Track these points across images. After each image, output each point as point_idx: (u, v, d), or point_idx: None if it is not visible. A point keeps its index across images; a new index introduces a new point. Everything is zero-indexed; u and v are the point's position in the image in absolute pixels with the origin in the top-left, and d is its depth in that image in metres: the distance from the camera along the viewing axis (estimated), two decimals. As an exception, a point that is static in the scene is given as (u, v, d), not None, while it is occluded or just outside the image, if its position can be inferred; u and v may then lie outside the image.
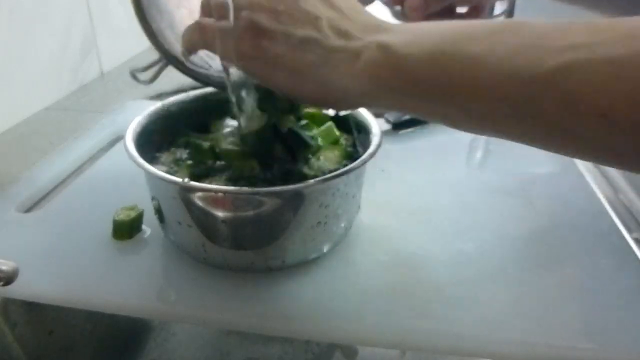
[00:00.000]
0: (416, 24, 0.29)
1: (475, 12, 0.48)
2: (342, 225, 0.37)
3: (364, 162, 0.34)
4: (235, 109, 0.35)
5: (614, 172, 0.50)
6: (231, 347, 0.48)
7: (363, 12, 0.31)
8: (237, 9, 0.31)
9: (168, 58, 0.61)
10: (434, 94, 0.26)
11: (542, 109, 0.23)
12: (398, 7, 0.45)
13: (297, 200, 0.32)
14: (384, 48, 0.27)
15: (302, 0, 0.31)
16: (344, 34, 0.29)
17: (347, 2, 0.31)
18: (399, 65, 0.26)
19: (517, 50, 0.23)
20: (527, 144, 0.26)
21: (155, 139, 0.40)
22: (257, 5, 0.31)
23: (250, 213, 0.32)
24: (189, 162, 0.38)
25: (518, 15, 0.56)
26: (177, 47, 0.59)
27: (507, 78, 0.23)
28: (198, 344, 0.49)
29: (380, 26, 0.29)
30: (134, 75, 0.69)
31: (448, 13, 0.47)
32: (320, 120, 0.40)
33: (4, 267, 0.34)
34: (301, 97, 0.31)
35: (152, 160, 0.37)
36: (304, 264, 0.36)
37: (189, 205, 0.33)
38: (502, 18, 0.50)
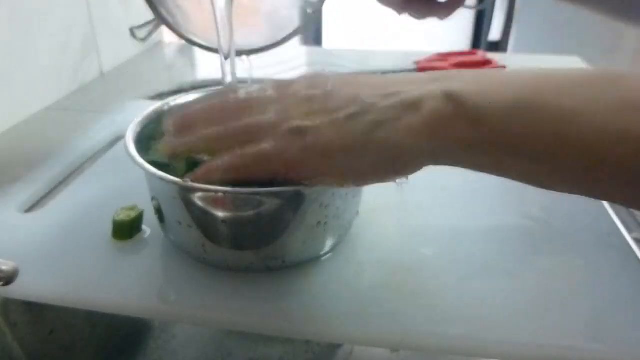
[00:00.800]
0: (479, 72, 0.26)
1: (456, 0, 0.45)
2: (342, 225, 0.37)
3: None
4: None
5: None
6: (232, 348, 0.48)
7: (407, 81, 0.27)
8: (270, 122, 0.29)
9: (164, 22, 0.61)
10: (519, 150, 0.23)
11: None
12: None
13: (297, 201, 0.32)
14: (450, 96, 0.24)
15: (333, 87, 0.28)
16: (391, 94, 0.26)
17: (381, 78, 0.28)
18: (474, 116, 0.24)
19: (620, 106, 0.21)
20: (632, 206, 0.24)
21: (155, 139, 0.39)
22: (289, 109, 0.29)
23: (251, 213, 0.32)
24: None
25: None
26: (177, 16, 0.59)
27: (614, 137, 0.21)
28: (199, 345, 0.49)
29: (435, 76, 0.26)
30: (132, 33, 0.69)
31: (426, 0, 0.44)
32: None
33: (4, 267, 0.34)
34: (363, 177, 0.28)
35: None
36: (304, 264, 0.36)
37: (189, 205, 0.33)
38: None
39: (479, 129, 0.24)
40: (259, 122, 0.30)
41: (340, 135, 0.27)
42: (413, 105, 0.25)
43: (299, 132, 0.28)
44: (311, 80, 0.31)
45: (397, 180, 0.41)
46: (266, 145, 0.28)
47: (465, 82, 0.25)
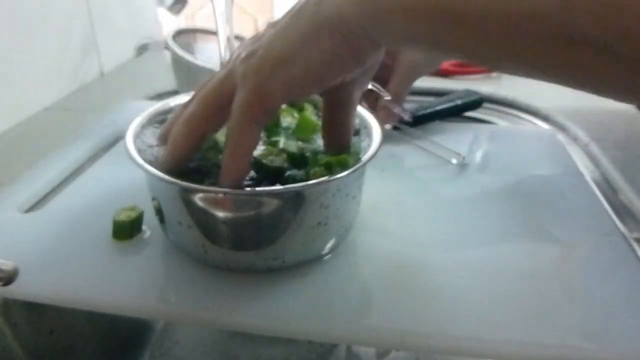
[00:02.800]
0: None
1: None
2: (343, 225, 0.37)
3: (365, 162, 0.34)
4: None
5: (614, 172, 0.50)
6: (237, 350, 0.48)
7: None
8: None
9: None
10: (447, 14, 0.24)
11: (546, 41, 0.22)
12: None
13: (297, 201, 0.32)
14: None
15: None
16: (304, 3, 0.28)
17: None
18: None
19: None
20: (528, 74, 0.25)
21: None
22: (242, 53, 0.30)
23: (251, 214, 0.32)
24: None
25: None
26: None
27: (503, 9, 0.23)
28: (203, 350, 0.49)
29: None
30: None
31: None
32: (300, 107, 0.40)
33: (4, 267, 0.34)
34: (329, 67, 0.28)
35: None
36: (304, 265, 0.36)
37: (190, 205, 0.33)
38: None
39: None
40: (213, 82, 0.31)
41: (290, 32, 0.28)
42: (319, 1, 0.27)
43: (248, 56, 0.29)
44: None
45: (454, 161, 0.44)
46: (237, 94, 0.29)
47: None
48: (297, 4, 0.30)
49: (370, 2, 0.26)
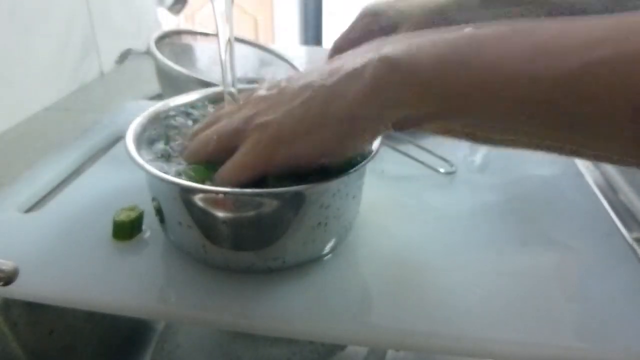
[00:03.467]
0: (411, 34, 0.28)
1: None
2: (343, 226, 0.37)
3: (365, 163, 0.34)
4: None
5: (614, 172, 0.50)
6: (240, 351, 0.48)
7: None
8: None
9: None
10: (449, 104, 0.25)
11: (567, 109, 0.22)
12: None
13: (297, 201, 0.32)
14: (385, 60, 0.26)
15: (287, 83, 0.32)
16: (336, 71, 0.29)
17: (329, 62, 0.31)
18: (406, 77, 0.26)
19: (535, 52, 0.23)
20: (546, 149, 0.25)
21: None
22: (252, 109, 0.32)
23: (251, 214, 0.32)
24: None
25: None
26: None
27: (528, 81, 0.23)
28: (206, 351, 0.49)
29: (373, 45, 0.28)
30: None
31: None
32: None
33: (4, 267, 0.34)
34: (331, 151, 0.31)
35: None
36: (304, 265, 0.36)
37: (190, 206, 0.33)
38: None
39: (412, 88, 0.26)
40: (225, 127, 0.33)
41: (299, 119, 0.30)
42: (355, 75, 0.27)
43: (263, 126, 0.31)
44: (269, 83, 0.35)
45: (442, 170, 0.44)
46: (241, 149, 0.32)
47: (396, 44, 0.27)
48: (314, 74, 0.31)
49: (379, 100, 0.27)
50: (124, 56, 0.65)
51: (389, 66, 0.26)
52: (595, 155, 0.25)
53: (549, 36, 0.23)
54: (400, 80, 0.26)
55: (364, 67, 0.27)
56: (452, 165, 0.49)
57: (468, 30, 0.26)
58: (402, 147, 0.49)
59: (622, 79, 0.21)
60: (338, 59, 0.31)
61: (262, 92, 0.34)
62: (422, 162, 0.48)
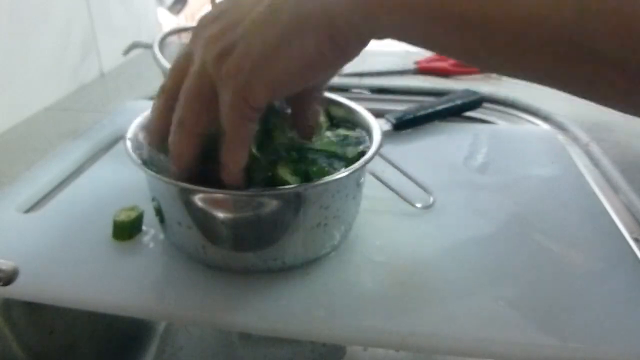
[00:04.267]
0: None
1: None
2: (342, 226, 0.37)
3: (365, 163, 0.34)
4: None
5: (614, 172, 0.50)
6: (242, 352, 0.48)
7: None
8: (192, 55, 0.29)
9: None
10: (449, 19, 0.23)
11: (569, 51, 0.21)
12: None
13: (297, 202, 0.32)
14: None
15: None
16: None
17: None
18: None
19: None
20: (543, 80, 0.24)
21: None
22: (204, 41, 0.28)
23: (251, 214, 0.32)
24: None
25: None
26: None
27: (535, 18, 0.21)
28: (208, 353, 0.49)
29: None
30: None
31: None
32: None
33: (4, 267, 0.34)
34: (311, 64, 0.27)
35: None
36: (304, 265, 0.36)
37: (189, 206, 0.33)
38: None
39: None
40: (189, 82, 0.29)
41: (269, 28, 0.26)
42: None
43: (226, 51, 0.27)
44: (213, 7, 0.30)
45: (418, 205, 0.41)
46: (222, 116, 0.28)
47: None
48: None
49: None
50: (131, 48, 0.65)
51: None
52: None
53: None
54: None
55: None
56: (430, 195, 0.44)
57: None
58: (380, 169, 0.44)
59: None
60: None
61: (206, 18, 0.29)
62: (397, 193, 0.43)
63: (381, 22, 0.25)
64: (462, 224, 0.41)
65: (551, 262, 0.37)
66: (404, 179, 0.44)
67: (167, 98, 0.31)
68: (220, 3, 0.30)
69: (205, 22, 0.29)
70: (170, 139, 0.31)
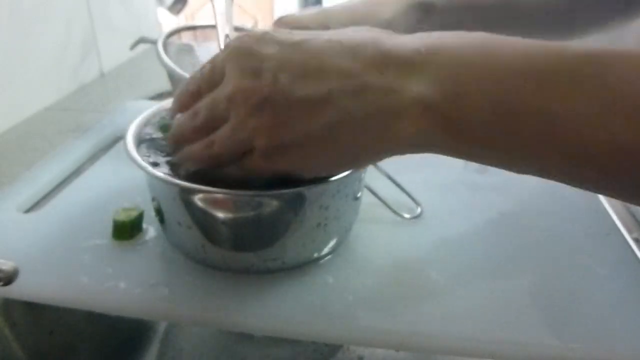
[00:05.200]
0: (455, 56, 0.24)
1: None
2: (342, 226, 0.37)
3: (364, 162, 0.34)
4: None
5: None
6: (244, 352, 0.48)
7: (359, 40, 0.26)
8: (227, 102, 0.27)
9: None
10: (502, 153, 0.24)
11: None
12: None
13: (297, 202, 0.32)
14: (429, 108, 0.23)
15: (280, 73, 0.25)
16: (361, 88, 0.25)
17: (333, 51, 0.26)
18: (454, 129, 0.23)
19: (605, 109, 0.20)
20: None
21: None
22: (244, 123, 0.26)
23: (251, 214, 0.32)
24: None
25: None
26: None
27: (594, 142, 0.21)
28: (210, 354, 0.49)
29: (402, 58, 0.24)
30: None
31: None
32: None
33: (4, 267, 0.34)
34: (336, 171, 0.30)
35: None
36: (304, 265, 0.36)
37: (189, 206, 0.33)
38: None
39: (459, 139, 0.24)
40: (204, 109, 0.29)
41: (327, 147, 0.26)
42: (390, 115, 0.24)
43: (261, 104, 0.26)
44: (242, 64, 0.27)
45: (407, 215, 0.41)
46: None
47: (440, 80, 0.23)
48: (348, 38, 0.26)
49: (419, 146, 0.25)
50: (138, 43, 0.65)
51: (433, 115, 0.24)
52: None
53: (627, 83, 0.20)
54: (445, 130, 0.24)
55: (401, 108, 0.24)
56: (418, 206, 0.43)
57: (526, 57, 0.23)
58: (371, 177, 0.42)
59: None
60: (353, 59, 0.25)
61: (236, 83, 0.27)
62: (385, 203, 0.42)
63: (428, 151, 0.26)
64: (462, 224, 0.41)
65: (550, 263, 0.37)
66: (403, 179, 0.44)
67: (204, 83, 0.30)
68: (254, 62, 0.27)
69: (241, 100, 0.27)
70: (195, 148, 0.30)
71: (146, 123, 0.39)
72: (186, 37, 0.66)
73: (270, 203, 0.32)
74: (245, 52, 0.27)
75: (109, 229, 0.39)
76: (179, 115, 0.32)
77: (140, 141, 0.37)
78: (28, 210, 0.44)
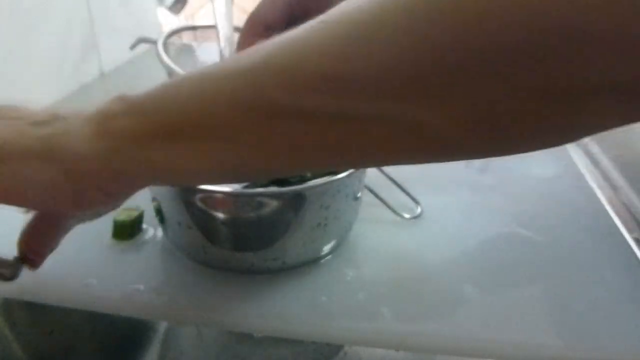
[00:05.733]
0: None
1: None
2: (343, 226, 0.37)
3: (364, 162, 0.34)
4: None
5: (614, 172, 0.50)
6: (245, 353, 0.48)
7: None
8: None
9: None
10: (177, 137, 0.23)
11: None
12: None
13: (297, 202, 0.32)
14: (120, 96, 0.24)
15: None
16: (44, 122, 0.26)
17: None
18: (136, 109, 0.24)
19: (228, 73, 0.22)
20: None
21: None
22: None
23: (251, 214, 0.32)
24: None
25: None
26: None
27: (222, 102, 0.22)
28: (212, 355, 0.49)
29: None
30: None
31: None
32: None
33: (8, 261, 0.33)
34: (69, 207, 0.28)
35: None
36: (304, 265, 0.36)
37: (189, 206, 0.33)
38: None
39: (139, 119, 0.24)
40: None
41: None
42: (82, 116, 0.25)
43: None
44: None
45: (407, 215, 0.41)
46: None
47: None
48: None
49: (107, 135, 0.24)
50: (138, 42, 0.65)
51: (121, 100, 0.25)
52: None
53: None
54: (129, 113, 0.24)
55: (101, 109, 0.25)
56: (418, 206, 0.43)
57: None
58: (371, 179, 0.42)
59: None
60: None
61: None
62: (385, 203, 0.41)
63: (127, 163, 0.26)
64: (462, 224, 0.41)
65: (550, 262, 0.37)
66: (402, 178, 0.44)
67: None
68: None
69: None
70: None
71: None
72: (186, 37, 0.66)
73: (270, 203, 0.32)
74: None
75: (109, 229, 0.39)
76: None
77: None
78: (28, 210, 0.44)
